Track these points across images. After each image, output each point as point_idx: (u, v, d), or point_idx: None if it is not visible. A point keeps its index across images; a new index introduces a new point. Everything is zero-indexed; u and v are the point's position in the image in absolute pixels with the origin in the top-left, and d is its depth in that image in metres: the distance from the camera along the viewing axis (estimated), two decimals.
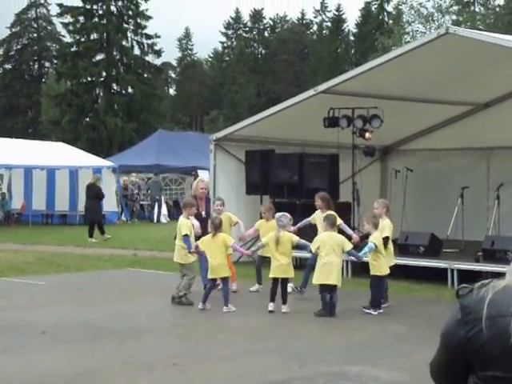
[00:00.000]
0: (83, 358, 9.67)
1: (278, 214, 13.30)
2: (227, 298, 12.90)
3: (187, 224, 13.43)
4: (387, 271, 13.05)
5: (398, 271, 16.41)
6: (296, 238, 12.99)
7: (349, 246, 12.84)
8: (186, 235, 13.30)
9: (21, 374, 8.95)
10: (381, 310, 12.91)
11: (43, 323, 11.66)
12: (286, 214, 13.41)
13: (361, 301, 13.40)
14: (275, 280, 12.83)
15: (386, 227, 13.50)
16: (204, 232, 13.83)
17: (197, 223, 14.04)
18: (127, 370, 9.13)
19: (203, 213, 15.06)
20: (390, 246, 13.69)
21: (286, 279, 12.91)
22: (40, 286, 15.82)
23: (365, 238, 13.99)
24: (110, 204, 33.97)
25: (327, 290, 12.55)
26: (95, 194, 26.71)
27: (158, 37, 65.53)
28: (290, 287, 13.65)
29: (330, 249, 12.52)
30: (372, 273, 13.02)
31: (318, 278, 12.63)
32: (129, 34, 64.87)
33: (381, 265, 12.95)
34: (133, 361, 9.57)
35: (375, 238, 12.97)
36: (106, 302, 13.92)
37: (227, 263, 13.20)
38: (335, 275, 12.54)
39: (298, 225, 14.91)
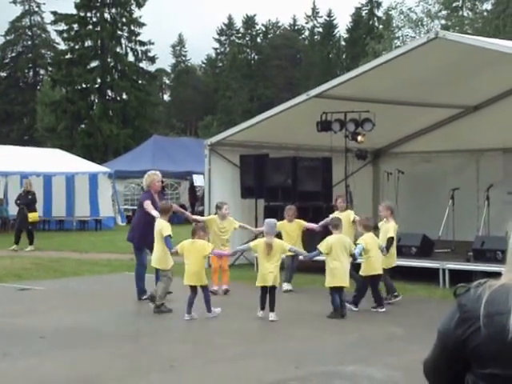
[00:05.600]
0: (82, 363, 9.68)
1: (271, 222, 13.11)
2: (209, 303, 12.72)
3: (169, 226, 13.31)
4: (372, 272, 13.17)
5: (390, 272, 16.64)
6: (288, 246, 13.05)
7: (353, 248, 12.96)
8: (170, 236, 13.19)
9: (21, 379, 9.01)
10: (356, 309, 13.11)
11: (42, 328, 11.66)
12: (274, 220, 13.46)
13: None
14: (264, 287, 12.55)
15: (390, 229, 13.85)
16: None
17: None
18: (126, 373, 9.20)
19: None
20: (393, 248, 14.00)
21: (274, 287, 12.52)
22: (38, 291, 15.79)
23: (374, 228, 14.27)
24: (106, 209, 34.20)
25: (337, 292, 12.62)
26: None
27: (152, 43, 65.81)
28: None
29: (339, 252, 12.59)
30: (360, 272, 13.30)
31: (330, 281, 12.63)
32: (123, 41, 64.97)
33: (365, 265, 13.20)
34: (131, 364, 9.65)
35: (365, 240, 13.16)
36: (103, 307, 13.87)
37: (206, 270, 12.93)
38: (347, 277, 12.71)
39: (321, 223, 15.20)
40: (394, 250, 14.13)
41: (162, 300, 13.23)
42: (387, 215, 14.02)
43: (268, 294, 12.51)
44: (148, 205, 14.14)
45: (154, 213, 13.81)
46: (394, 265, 14.15)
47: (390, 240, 13.76)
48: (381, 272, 13.32)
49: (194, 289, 12.60)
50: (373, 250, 13.17)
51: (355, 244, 13.26)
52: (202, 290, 12.66)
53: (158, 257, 13.41)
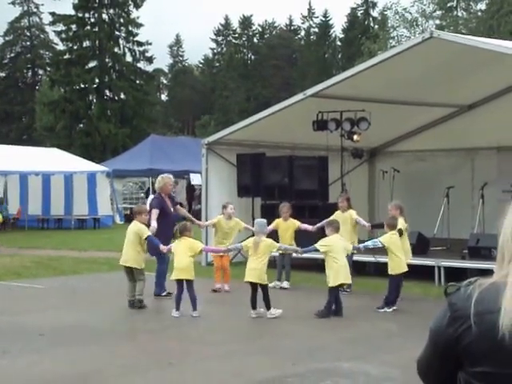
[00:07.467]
0: (81, 360, 9.74)
1: (261, 222, 13.33)
2: (194, 302, 12.70)
3: (145, 228, 13.54)
4: (401, 270, 13.25)
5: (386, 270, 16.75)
6: (276, 245, 13.25)
7: (350, 247, 13.32)
8: (150, 236, 13.44)
9: (20, 376, 9.06)
10: (395, 307, 13.18)
11: (41, 326, 11.74)
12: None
13: (350, 299, 13.55)
14: (253, 286, 12.56)
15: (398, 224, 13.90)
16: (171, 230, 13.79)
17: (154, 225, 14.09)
18: (124, 371, 9.25)
19: (172, 209, 15.04)
20: (406, 244, 14.07)
21: (264, 286, 12.56)
22: (37, 289, 15.87)
23: (377, 226, 14.72)
24: (104, 208, 34.38)
25: (338, 290, 12.84)
26: None
27: (150, 44, 65.97)
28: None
29: (341, 251, 12.80)
30: (389, 272, 13.38)
31: (337, 279, 12.69)
32: (121, 42, 65.08)
33: (393, 264, 13.27)
34: (130, 361, 9.71)
35: (384, 238, 13.36)
36: (102, 305, 13.97)
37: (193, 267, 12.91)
38: (349, 275, 13.00)
39: (318, 225, 15.20)
40: (407, 245, 14.14)
41: (142, 296, 13.43)
42: (396, 214, 14.11)
43: (261, 292, 12.53)
44: (153, 214, 14.31)
45: (153, 223, 14.02)
46: (409, 258, 14.05)
47: (399, 232, 13.69)
48: (407, 269, 13.40)
49: (180, 284, 12.75)
50: (396, 248, 13.30)
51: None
52: (187, 285, 12.70)
53: (134, 257, 13.59)
